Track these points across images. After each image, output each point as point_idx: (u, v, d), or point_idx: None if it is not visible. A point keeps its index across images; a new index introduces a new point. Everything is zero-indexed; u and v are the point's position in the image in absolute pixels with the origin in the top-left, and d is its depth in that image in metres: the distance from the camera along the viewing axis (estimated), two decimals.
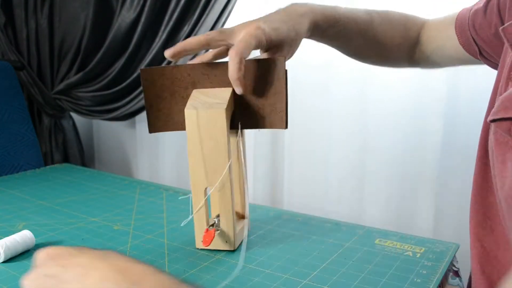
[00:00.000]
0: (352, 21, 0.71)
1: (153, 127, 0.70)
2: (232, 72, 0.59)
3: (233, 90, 0.63)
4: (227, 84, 0.63)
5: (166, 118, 0.69)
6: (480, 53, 0.67)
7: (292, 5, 0.67)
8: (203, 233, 0.66)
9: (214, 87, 0.65)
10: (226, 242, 0.67)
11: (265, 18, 0.64)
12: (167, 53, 0.64)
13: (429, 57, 0.78)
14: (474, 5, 0.67)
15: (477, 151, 0.59)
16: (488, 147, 0.54)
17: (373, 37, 0.74)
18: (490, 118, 0.49)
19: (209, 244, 0.65)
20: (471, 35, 0.67)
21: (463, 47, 0.69)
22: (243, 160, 0.69)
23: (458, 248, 0.70)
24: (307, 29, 0.66)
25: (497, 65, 0.58)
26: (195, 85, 0.66)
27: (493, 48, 0.64)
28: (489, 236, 0.56)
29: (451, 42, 0.71)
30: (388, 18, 0.76)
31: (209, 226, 0.66)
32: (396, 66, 0.85)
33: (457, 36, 0.70)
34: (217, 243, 0.67)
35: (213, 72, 0.65)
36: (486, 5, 0.64)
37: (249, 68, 0.63)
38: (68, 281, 0.35)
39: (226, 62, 0.62)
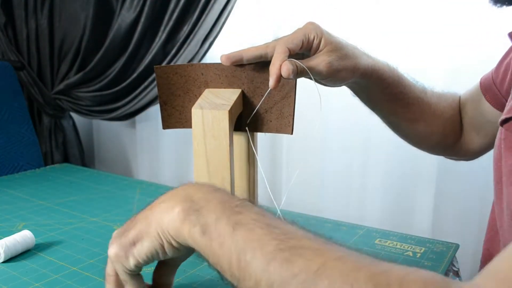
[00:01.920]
0: (412, 85, 0.68)
1: (167, 124, 0.71)
2: (271, 64, 0.57)
3: (242, 92, 0.64)
4: (237, 85, 0.64)
5: (179, 115, 0.70)
6: None
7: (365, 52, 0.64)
8: None
9: (225, 87, 0.66)
10: None
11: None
12: (223, 57, 0.61)
13: (468, 131, 0.73)
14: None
15: (493, 171, 0.57)
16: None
17: (428, 107, 0.69)
18: (502, 117, 0.48)
19: None
20: (497, 88, 0.65)
21: (490, 104, 0.66)
22: (257, 162, 0.70)
23: (458, 248, 0.70)
24: (368, 66, 0.62)
25: None
26: (207, 85, 0.66)
27: None
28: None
29: (481, 105, 0.68)
30: (436, 90, 0.72)
31: None
32: (441, 150, 0.77)
33: (483, 93, 0.67)
34: None
35: (224, 73, 0.65)
36: (505, 55, 0.63)
37: (259, 70, 0.63)
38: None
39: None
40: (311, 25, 0.60)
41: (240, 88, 0.64)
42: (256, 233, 0.34)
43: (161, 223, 0.39)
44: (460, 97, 0.75)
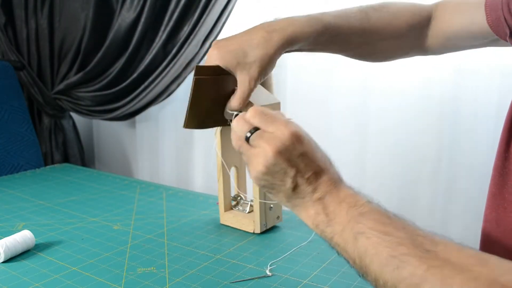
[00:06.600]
0: (344, 23, 0.70)
1: (188, 124, 0.70)
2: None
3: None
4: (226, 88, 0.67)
5: (205, 115, 0.70)
6: (510, 36, 0.63)
7: (266, 22, 0.67)
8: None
9: (227, 90, 0.67)
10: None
11: (223, 43, 0.65)
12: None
13: (447, 41, 0.74)
14: None
15: (497, 148, 0.58)
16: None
17: (374, 33, 0.72)
18: None
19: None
20: (503, 15, 0.64)
21: (490, 27, 0.66)
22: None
23: None
24: (279, 45, 0.65)
25: None
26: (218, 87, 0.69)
27: None
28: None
29: (477, 22, 0.68)
30: (387, 10, 0.74)
31: (232, 200, 0.80)
32: (404, 57, 0.81)
33: (486, 15, 0.66)
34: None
35: (221, 76, 0.66)
36: None
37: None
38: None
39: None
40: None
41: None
42: (372, 242, 0.44)
43: None
44: (437, 6, 0.76)
